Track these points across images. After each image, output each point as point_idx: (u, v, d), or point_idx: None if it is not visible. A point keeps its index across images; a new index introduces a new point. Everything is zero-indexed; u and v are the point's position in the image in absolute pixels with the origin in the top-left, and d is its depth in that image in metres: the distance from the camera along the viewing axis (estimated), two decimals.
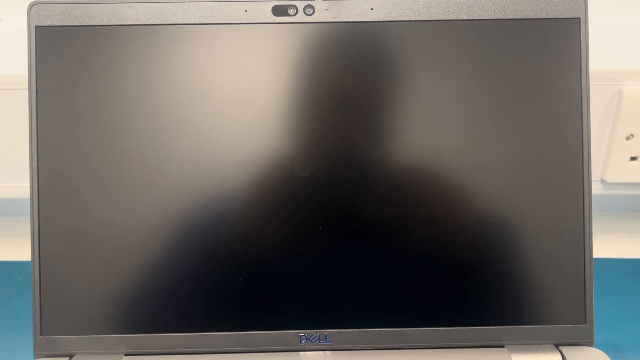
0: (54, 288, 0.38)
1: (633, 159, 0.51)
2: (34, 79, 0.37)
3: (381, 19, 0.37)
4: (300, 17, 0.37)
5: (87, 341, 0.38)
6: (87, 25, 0.37)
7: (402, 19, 0.37)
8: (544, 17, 0.37)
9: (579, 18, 0.37)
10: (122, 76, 0.38)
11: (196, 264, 0.38)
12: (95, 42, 0.37)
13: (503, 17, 0.37)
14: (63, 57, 0.37)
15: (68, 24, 0.37)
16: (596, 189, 0.52)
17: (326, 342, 0.38)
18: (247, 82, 0.38)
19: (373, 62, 0.38)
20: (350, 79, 0.38)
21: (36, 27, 0.37)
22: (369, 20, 0.37)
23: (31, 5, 0.37)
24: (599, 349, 0.39)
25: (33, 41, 0.37)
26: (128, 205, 0.38)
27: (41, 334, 0.38)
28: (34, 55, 0.37)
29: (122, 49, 0.37)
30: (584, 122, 0.38)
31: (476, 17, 0.37)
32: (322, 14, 0.37)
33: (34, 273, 0.38)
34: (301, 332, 0.38)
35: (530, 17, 0.37)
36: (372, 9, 0.37)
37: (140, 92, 0.38)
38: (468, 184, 0.38)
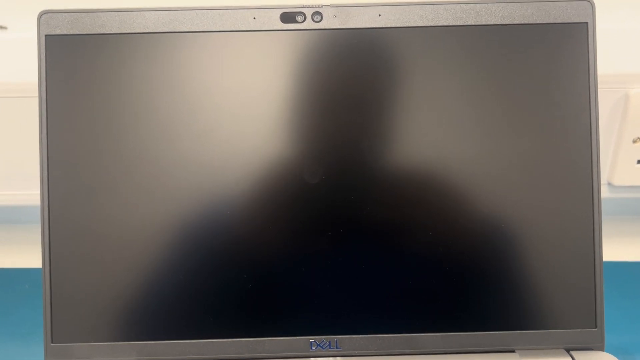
0: (65, 295, 0.38)
1: None
2: (44, 88, 0.38)
3: (389, 25, 0.38)
4: (309, 24, 0.38)
5: (98, 349, 0.38)
6: (96, 34, 0.37)
7: (409, 25, 0.38)
8: (551, 22, 0.38)
9: (587, 22, 0.38)
10: (132, 84, 0.38)
11: (206, 271, 0.38)
12: (104, 51, 0.38)
13: (511, 22, 0.38)
14: (73, 65, 0.38)
15: (78, 32, 0.37)
16: (603, 192, 0.51)
17: (337, 348, 0.38)
18: (256, 89, 0.38)
19: (381, 68, 0.38)
20: (358, 85, 0.38)
21: (46, 35, 0.37)
22: (377, 26, 0.38)
23: (41, 15, 0.37)
24: (610, 352, 0.38)
25: (43, 50, 0.37)
26: (138, 213, 0.38)
27: (52, 342, 0.38)
28: (44, 63, 0.37)
29: (132, 57, 0.38)
30: (592, 126, 0.38)
31: (484, 23, 0.38)
32: (330, 21, 0.38)
33: (45, 281, 0.38)
34: (312, 339, 0.38)
35: (538, 22, 0.38)
36: (379, 15, 0.38)
37: (150, 99, 0.38)
38: (478, 189, 0.38)
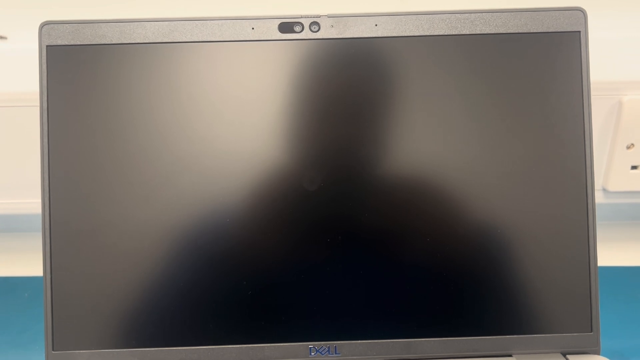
0: (66, 303, 0.38)
1: (634, 167, 0.51)
2: (45, 97, 0.38)
3: (385, 35, 0.38)
4: (306, 33, 0.38)
5: (99, 356, 0.38)
6: (97, 44, 0.38)
7: (405, 35, 0.38)
8: (544, 30, 0.38)
9: (579, 31, 0.38)
10: (132, 93, 0.38)
11: (206, 278, 0.38)
12: (105, 61, 0.38)
13: (505, 32, 0.38)
14: (73, 75, 0.38)
15: (78, 43, 0.38)
16: (598, 198, 0.52)
17: (336, 353, 0.39)
18: (255, 98, 0.38)
19: (378, 77, 0.38)
20: (356, 93, 0.38)
21: (47, 46, 0.38)
22: (374, 36, 0.38)
23: (42, 25, 0.38)
24: (606, 356, 0.39)
25: (44, 60, 0.38)
26: (138, 221, 0.38)
27: (53, 349, 0.38)
28: (45, 74, 0.38)
29: (132, 67, 0.38)
30: (586, 133, 0.39)
31: (479, 32, 0.38)
32: (328, 31, 0.38)
33: (46, 289, 0.38)
34: (311, 344, 0.39)
35: (532, 31, 0.38)
36: (376, 25, 0.38)
37: (150, 108, 0.38)
38: (474, 196, 0.39)
